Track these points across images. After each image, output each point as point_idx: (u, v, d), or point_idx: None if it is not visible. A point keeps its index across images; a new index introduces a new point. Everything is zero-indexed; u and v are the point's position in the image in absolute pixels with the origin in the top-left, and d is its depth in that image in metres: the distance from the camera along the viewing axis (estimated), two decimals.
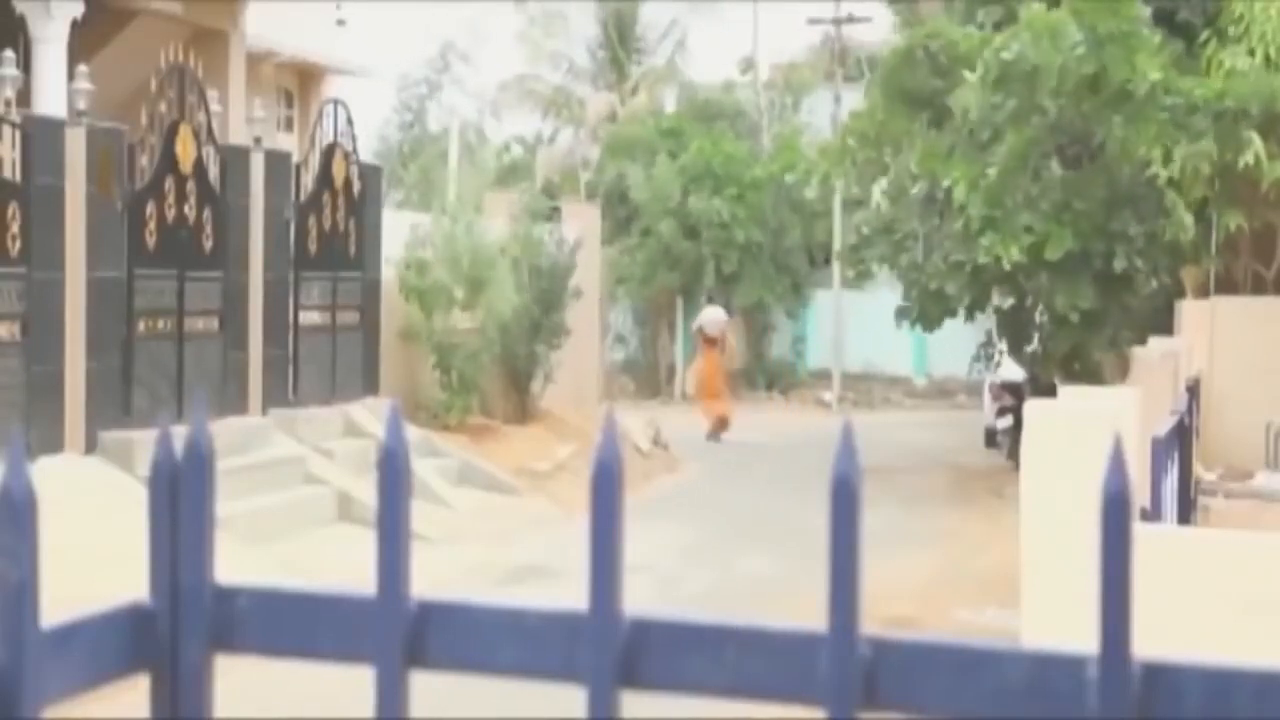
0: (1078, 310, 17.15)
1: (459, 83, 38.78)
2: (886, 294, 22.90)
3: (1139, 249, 16.91)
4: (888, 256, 19.83)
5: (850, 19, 33.78)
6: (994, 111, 16.54)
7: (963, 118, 16.96)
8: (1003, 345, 20.91)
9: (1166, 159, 15.80)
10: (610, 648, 1.12)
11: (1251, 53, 14.85)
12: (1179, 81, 15.90)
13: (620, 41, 37.69)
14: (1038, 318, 19.32)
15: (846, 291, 30.57)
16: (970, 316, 19.61)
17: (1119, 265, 16.90)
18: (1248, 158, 15.03)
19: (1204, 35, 16.53)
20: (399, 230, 18.07)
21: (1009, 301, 19.95)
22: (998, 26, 18.06)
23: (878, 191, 20.11)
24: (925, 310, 19.28)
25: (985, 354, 21.75)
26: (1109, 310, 17.49)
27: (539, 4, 37.64)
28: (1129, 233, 16.84)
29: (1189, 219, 16.12)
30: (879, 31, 32.63)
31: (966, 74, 16.75)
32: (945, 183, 17.11)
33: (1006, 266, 16.77)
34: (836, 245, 30.75)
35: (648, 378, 32.35)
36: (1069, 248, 16.43)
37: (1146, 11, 16.43)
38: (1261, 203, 16.13)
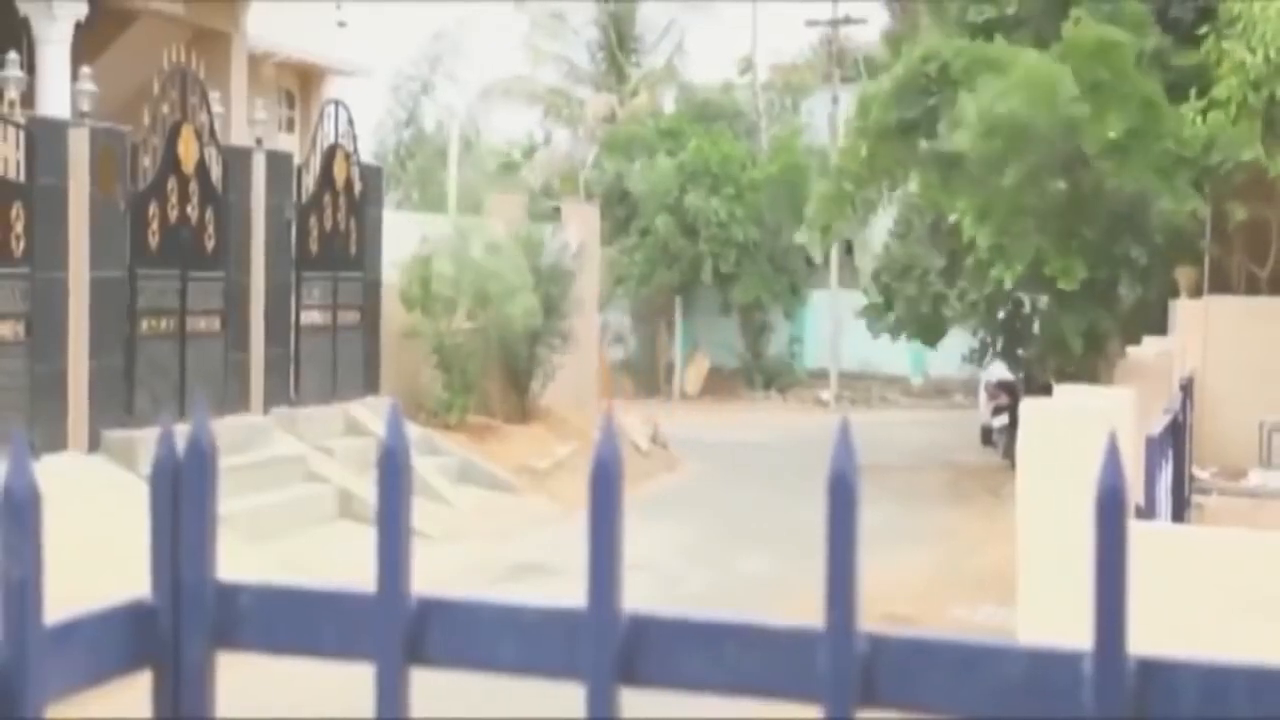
0: (1083, 335, 17.24)
1: (453, 79, 38.74)
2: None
3: (1141, 272, 16.99)
4: (914, 297, 19.98)
5: (847, 20, 33.80)
6: (990, 155, 16.37)
7: (956, 144, 16.84)
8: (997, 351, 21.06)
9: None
10: (609, 645, 1.12)
11: (1253, 51, 14.81)
12: (1167, 122, 15.84)
13: (619, 44, 37.69)
14: (1035, 326, 19.39)
15: (843, 291, 30.56)
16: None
17: (1124, 292, 16.99)
18: (1256, 152, 14.99)
19: (1202, 32, 16.50)
20: (398, 230, 18.06)
21: (1006, 306, 20.03)
22: (988, 30, 18.00)
23: (884, 230, 20.15)
24: (927, 326, 19.56)
25: (979, 355, 21.89)
26: (1106, 313, 17.54)
27: (540, 4, 37.61)
28: (1132, 255, 16.88)
29: (1178, 211, 16.17)
30: (876, 32, 32.67)
31: (964, 103, 16.60)
32: (952, 217, 17.06)
33: (1008, 286, 16.84)
34: (833, 247, 30.78)
35: (647, 377, 32.36)
36: (1081, 278, 16.43)
37: (1137, 47, 16.33)
38: (1263, 194, 16.09)
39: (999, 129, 15.78)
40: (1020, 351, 20.14)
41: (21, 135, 12.43)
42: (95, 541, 9.34)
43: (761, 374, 32.73)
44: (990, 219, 16.30)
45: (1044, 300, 17.50)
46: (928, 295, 19.51)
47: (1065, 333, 17.38)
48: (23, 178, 12.35)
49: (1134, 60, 16.11)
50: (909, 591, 11.68)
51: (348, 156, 17.33)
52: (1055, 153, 16.16)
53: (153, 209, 13.88)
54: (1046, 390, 12.12)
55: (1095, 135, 15.57)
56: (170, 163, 14.10)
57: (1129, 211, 16.80)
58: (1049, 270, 16.30)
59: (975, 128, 15.92)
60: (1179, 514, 8.53)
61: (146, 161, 13.89)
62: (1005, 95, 15.76)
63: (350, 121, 17.50)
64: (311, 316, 16.49)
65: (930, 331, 20.24)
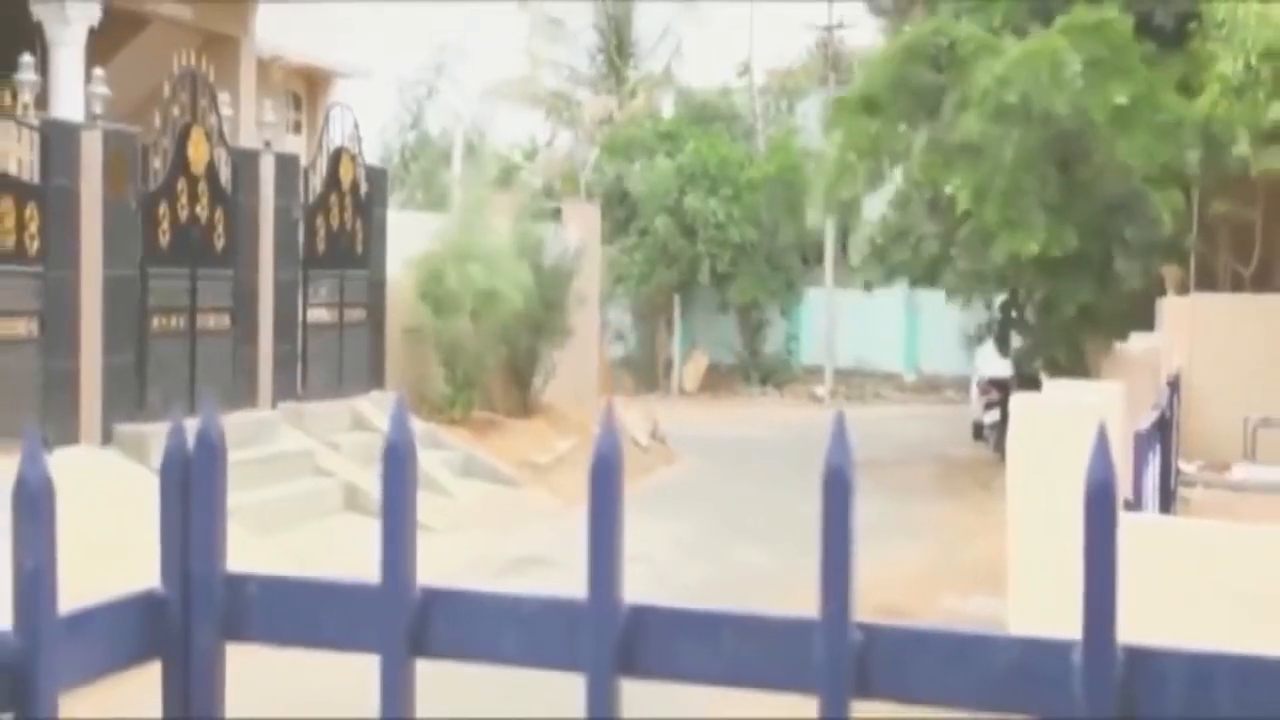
0: (1076, 305, 17.29)
1: (457, 84, 38.74)
2: (877, 293, 22.95)
3: (1135, 251, 17.01)
4: (908, 261, 20.06)
5: (841, 25, 33.86)
6: (994, 133, 16.38)
7: (959, 124, 16.83)
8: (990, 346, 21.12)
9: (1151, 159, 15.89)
10: (609, 636, 1.12)
11: (1235, 58, 14.80)
12: (1165, 98, 15.88)
13: (618, 48, 37.67)
14: (1029, 316, 19.43)
15: (838, 289, 30.58)
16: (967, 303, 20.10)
17: (1119, 266, 17.03)
18: (1240, 150, 14.99)
19: (1188, 38, 16.50)
20: (403, 230, 18.08)
21: (1000, 299, 20.06)
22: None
23: (883, 202, 20.16)
24: (926, 270, 19.85)
25: (976, 339, 22.05)
26: (1101, 307, 17.58)
27: (540, 8, 37.58)
28: (1125, 235, 16.90)
29: (1175, 198, 16.20)
30: (869, 37, 32.71)
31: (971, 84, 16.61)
32: (948, 189, 17.07)
33: (1024, 260, 16.86)
34: (828, 246, 30.81)
35: (646, 373, 32.37)
36: (1072, 247, 16.46)
37: (1130, 24, 16.38)
38: (1242, 200, 16.11)
39: (1006, 110, 15.80)
40: (1014, 337, 20.18)
41: (36, 137, 12.44)
42: (107, 533, 9.34)
43: (758, 370, 32.76)
44: (989, 198, 16.32)
45: (1040, 285, 17.54)
46: (922, 258, 19.71)
47: (1061, 304, 17.46)
48: (37, 179, 12.37)
49: (1129, 39, 16.15)
50: (902, 582, 11.68)
51: (353, 159, 17.35)
52: (1056, 132, 16.18)
53: (163, 209, 13.89)
54: (1036, 386, 12.14)
55: (1100, 102, 15.59)
56: (180, 164, 14.10)
57: (1125, 193, 16.82)
58: (1040, 242, 16.33)
59: (983, 108, 15.93)
60: (1165, 507, 8.54)
61: (157, 163, 13.89)
62: (1010, 73, 15.78)
63: (356, 125, 17.52)
64: (318, 314, 16.51)
65: (928, 274, 20.30)
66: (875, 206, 20.92)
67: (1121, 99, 15.62)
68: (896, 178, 19.50)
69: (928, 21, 18.23)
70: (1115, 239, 16.96)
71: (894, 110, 18.06)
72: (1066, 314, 17.64)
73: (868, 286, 22.17)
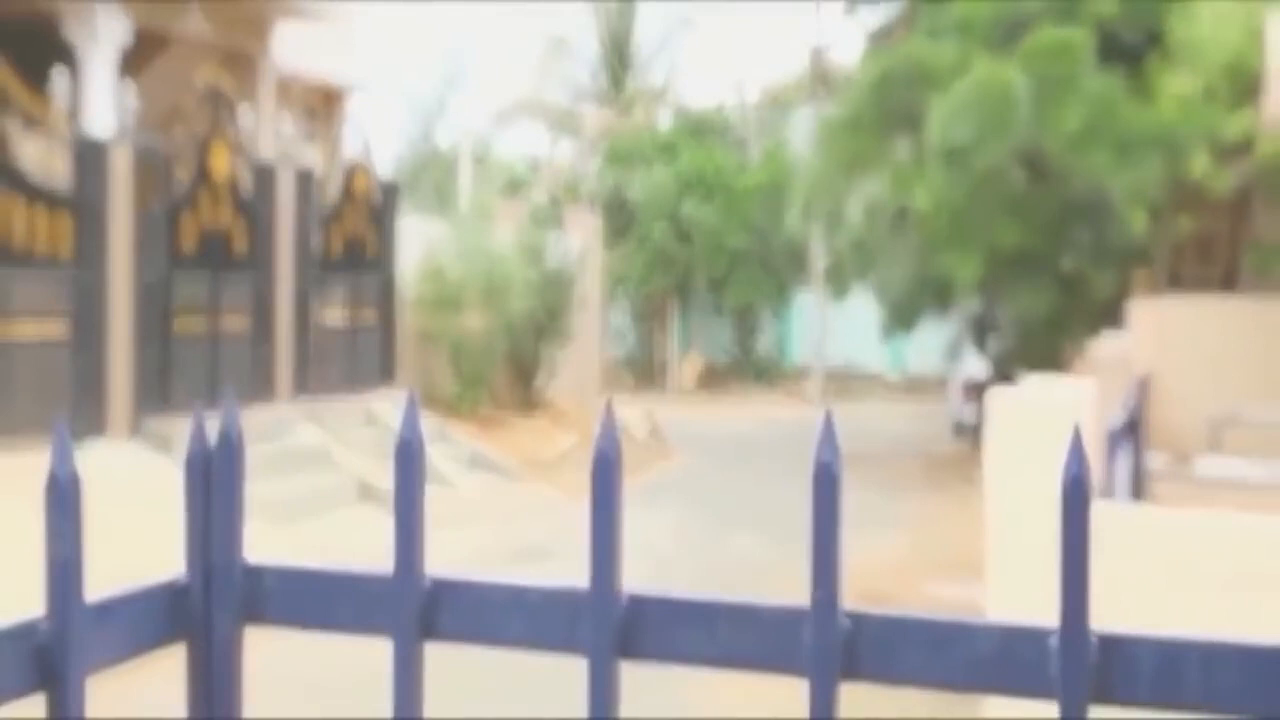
0: (1038, 312, 17.26)
1: (465, 95, 38.82)
2: (865, 297, 22.97)
3: (1087, 253, 16.97)
4: (861, 270, 20.11)
5: (830, 48, 33.91)
6: (955, 150, 16.32)
7: (934, 137, 16.82)
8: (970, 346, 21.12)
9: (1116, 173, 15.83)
10: (609, 622, 1.12)
11: (1194, 73, 14.78)
12: (1124, 110, 15.84)
13: (620, 61, 37.68)
14: (1000, 319, 19.43)
15: (827, 294, 30.60)
16: (942, 311, 19.95)
17: (1066, 265, 16.98)
18: (1194, 172, 15.01)
19: (1149, 59, 16.48)
20: (412, 237, 18.12)
21: (974, 302, 20.04)
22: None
23: (855, 207, 20.13)
24: (899, 317, 19.65)
25: (954, 351, 22.00)
26: (1068, 310, 17.56)
27: (546, 20, 37.62)
28: (1078, 238, 16.88)
29: (1140, 219, 16.13)
30: (856, 51, 32.76)
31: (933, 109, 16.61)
32: (916, 203, 17.07)
33: (964, 284, 16.84)
34: (817, 252, 30.81)
35: (644, 372, 32.39)
36: (1018, 243, 16.39)
37: (1090, 44, 16.30)
38: (1208, 209, 16.13)
39: (958, 153, 15.75)
40: (989, 340, 20.17)
41: (69, 150, 12.50)
42: (133, 523, 9.34)
43: (751, 370, 32.77)
44: (947, 210, 16.28)
45: (1008, 296, 17.53)
46: (872, 274, 19.73)
47: (1022, 309, 17.46)
48: (70, 189, 12.43)
49: (1087, 58, 16.06)
50: (888, 570, 11.69)
51: (367, 171, 17.41)
52: (1016, 151, 16.12)
53: (187, 217, 13.93)
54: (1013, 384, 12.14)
55: (1054, 130, 15.52)
56: (203, 175, 14.14)
57: (1083, 201, 16.78)
58: (991, 251, 16.29)
59: (937, 153, 15.88)
60: (1136, 499, 8.54)
61: (182, 174, 13.94)
62: (960, 114, 15.69)
63: (368, 139, 17.64)
64: (333, 316, 16.53)
65: (901, 319, 20.29)
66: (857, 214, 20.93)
67: (1076, 124, 15.53)
68: (871, 188, 19.49)
69: (901, 47, 18.22)
70: (1068, 243, 16.94)
71: (876, 127, 18.02)
72: (1036, 320, 17.64)
73: (836, 294, 22.24)
